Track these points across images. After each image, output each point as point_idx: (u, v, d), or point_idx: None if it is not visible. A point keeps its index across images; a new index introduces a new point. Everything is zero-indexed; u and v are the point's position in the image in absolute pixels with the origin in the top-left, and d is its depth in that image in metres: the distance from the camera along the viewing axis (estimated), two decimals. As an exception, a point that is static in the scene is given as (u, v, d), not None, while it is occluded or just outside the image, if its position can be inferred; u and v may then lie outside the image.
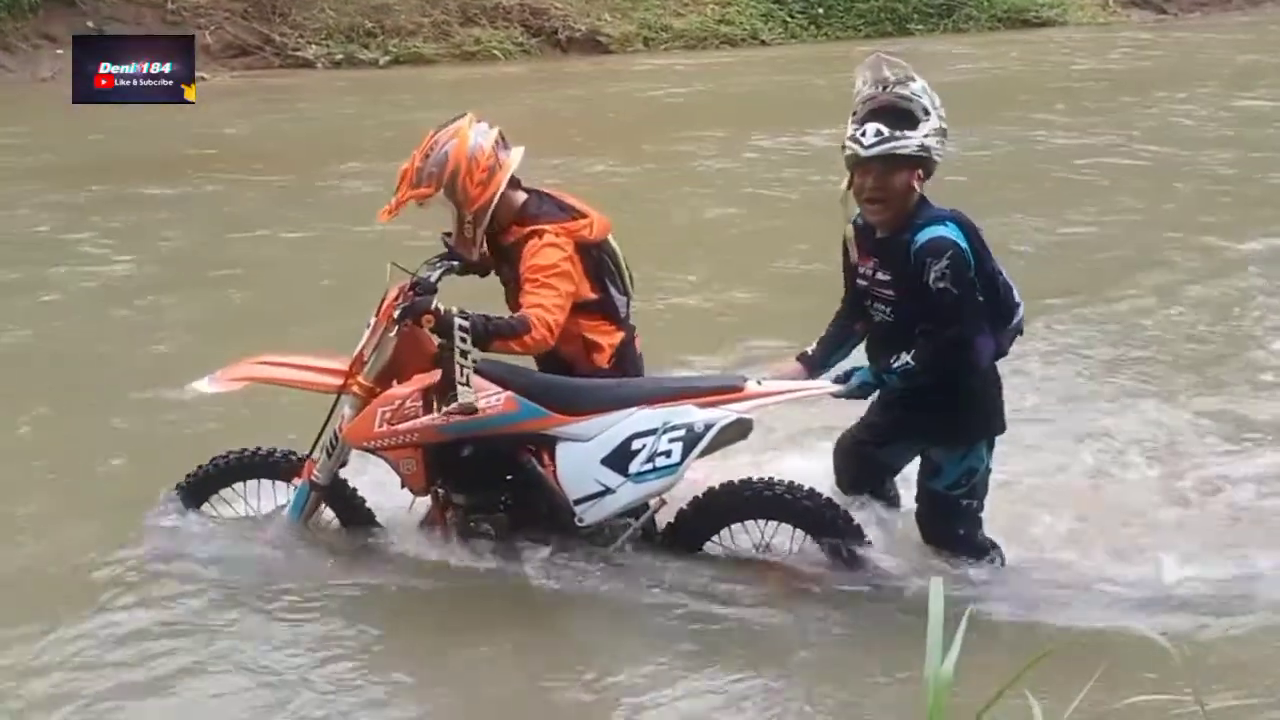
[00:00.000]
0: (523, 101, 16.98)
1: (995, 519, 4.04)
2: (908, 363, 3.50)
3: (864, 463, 4.00)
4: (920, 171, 3.53)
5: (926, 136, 3.47)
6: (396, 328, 3.83)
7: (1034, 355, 6.00)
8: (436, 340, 3.84)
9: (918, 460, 3.92)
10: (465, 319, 3.68)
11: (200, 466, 4.28)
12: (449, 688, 3.64)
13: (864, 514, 3.95)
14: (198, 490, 4.26)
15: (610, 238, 4.09)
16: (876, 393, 3.73)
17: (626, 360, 4.12)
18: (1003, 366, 3.91)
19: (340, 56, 21.51)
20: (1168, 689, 2.89)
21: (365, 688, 3.57)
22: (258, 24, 21.68)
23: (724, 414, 3.67)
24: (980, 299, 3.53)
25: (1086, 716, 2.44)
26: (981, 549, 3.83)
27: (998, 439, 3.87)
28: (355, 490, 4.23)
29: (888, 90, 3.50)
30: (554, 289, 3.79)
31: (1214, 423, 5.38)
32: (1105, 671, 3.11)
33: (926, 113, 3.49)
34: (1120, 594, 3.87)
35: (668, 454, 3.65)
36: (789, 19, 24.74)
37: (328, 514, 4.28)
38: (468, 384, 3.66)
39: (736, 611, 3.81)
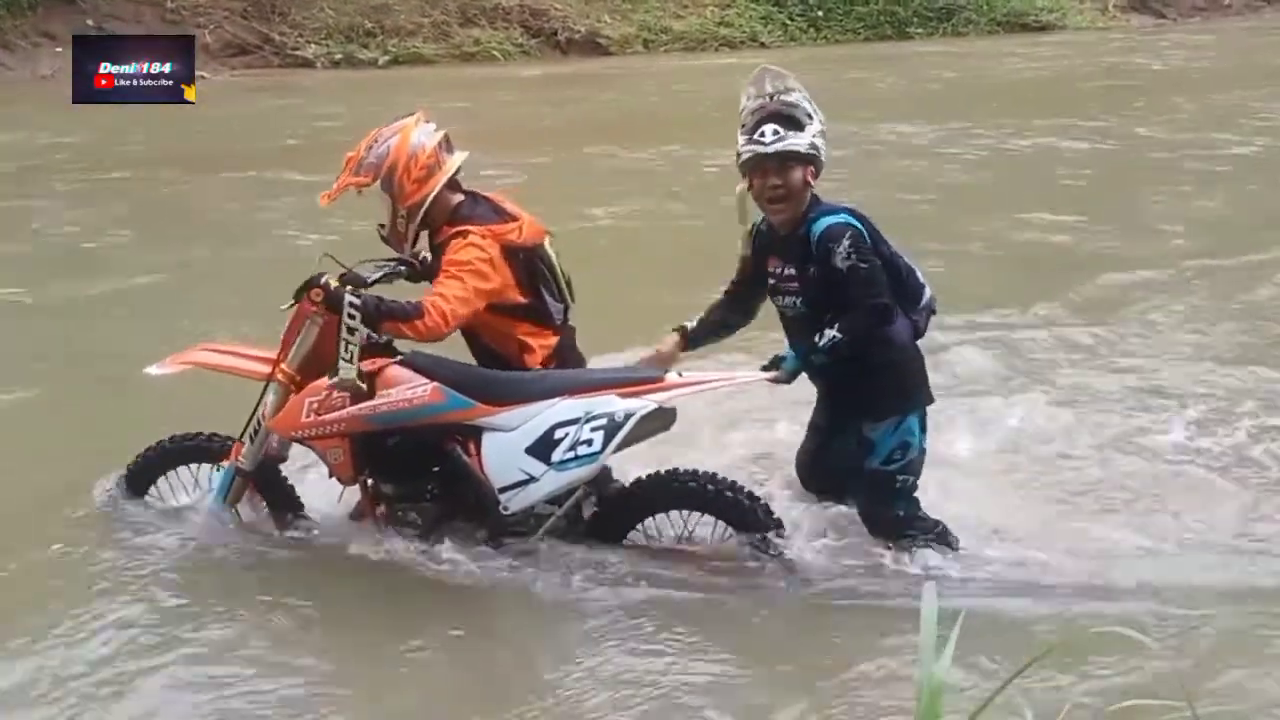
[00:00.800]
0: (520, 101, 17.01)
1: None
2: (835, 336, 3.70)
3: (821, 467, 4.16)
4: (812, 169, 3.81)
5: (814, 137, 3.79)
6: (317, 317, 3.89)
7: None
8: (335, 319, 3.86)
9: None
10: (356, 297, 3.75)
11: (138, 455, 4.33)
12: (376, 684, 3.61)
13: (830, 514, 4.10)
14: (138, 478, 4.34)
15: (547, 245, 4.14)
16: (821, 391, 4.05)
17: (563, 363, 4.19)
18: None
19: (340, 56, 21.53)
20: (1154, 688, 2.89)
21: (281, 685, 3.54)
22: (257, 23, 21.68)
23: (644, 404, 3.78)
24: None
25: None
26: (926, 524, 3.97)
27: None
28: (285, 477, 4.27)
29: (774, 99, 3.79)
30: (461, 282, 3.84)
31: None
32: (1089, 670, 3.20)
33: (810, 117, 3.79)
34: (1094, 588, 3.95)
35: (589, 442, 3.76)
36: (788, 22, 24.75)
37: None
38: (350, 361, 3.71)
39: (664, 596, 3.89)
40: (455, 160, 4.05)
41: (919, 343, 4.00)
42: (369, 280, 3.96)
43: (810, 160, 3.78)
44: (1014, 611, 3.80)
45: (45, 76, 19.49)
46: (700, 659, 3.61)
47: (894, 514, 3.93)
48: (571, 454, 3.78)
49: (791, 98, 3.78)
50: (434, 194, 3.97)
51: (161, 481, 4.36)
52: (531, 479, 3.83)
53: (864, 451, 3.89)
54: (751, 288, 4.08)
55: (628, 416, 3.76)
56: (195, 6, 21.44)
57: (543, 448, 3.80)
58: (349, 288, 3.84)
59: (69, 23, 20.68)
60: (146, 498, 4.35)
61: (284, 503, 4.25)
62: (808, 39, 24.55)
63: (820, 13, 24.92)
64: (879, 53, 22.62)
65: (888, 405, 3.87)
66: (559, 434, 3.78)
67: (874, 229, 3.84)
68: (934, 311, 3.99)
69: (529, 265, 4.04)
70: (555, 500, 3.94)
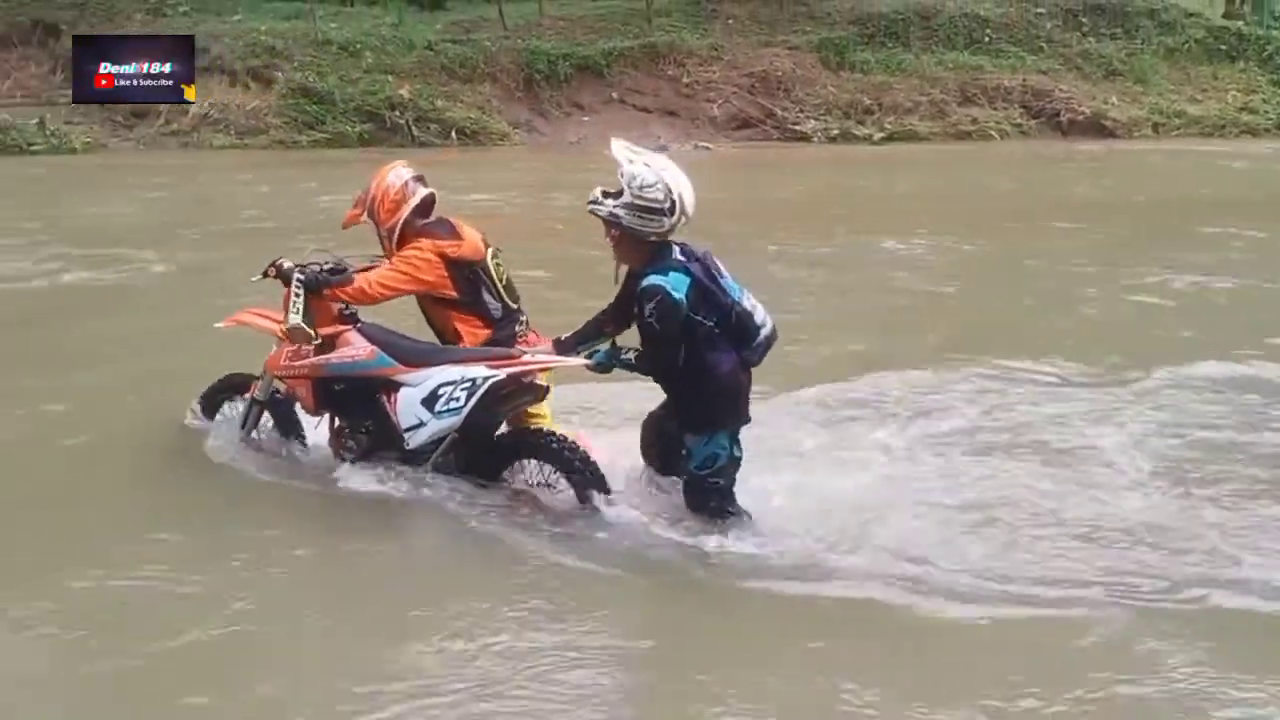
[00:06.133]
0: (1011, 178, 16.62)
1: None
2: (629, 359, 4.60)
3: (665, 436, 4.89)
4: (615, 231, 4.49)
5: (615, 207, 4.43)
6: (305, 294, 5.13)
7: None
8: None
9: None
10: (301, 273, 5.13)
11: (208, 387, 5.79)
12: (328, 581, 4.61)
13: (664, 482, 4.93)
14: (209, 403, 5.79)
15: (489, 259, 5.22)
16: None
17: None
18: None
19: (836, 132, 22.12)
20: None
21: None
22: (762, 99, 22.76)
23: (496, 373, 4.86)
24: (713, 327, 4.51)
25: None
26: (729, 514, 4.73)
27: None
28: (292, 407, 5.51)
29: (620, 168, 4.47)
30: (394, 270, 5.08)
31: None
32: None
33: (626, 189, 4.42)
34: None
35: (458, 399, 4.91)
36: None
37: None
38: (297, 314, 5.06)
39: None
40: (422, 193, 5.20)
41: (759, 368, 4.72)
42: (320, 264, 5.25)
43: (612, 225, 4.47)
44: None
45: (572, 143, 21.52)
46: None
47: (708, 504, 4.72)
48: (447, 407, 4.94)
49: (620, 170, 4.44)
50: (403, 219, 5.15)
51: (226, 406, 5.75)
52: (422, 424, 5.01)
53: (684, 457, 4.70)
54: (624, 304, 4.78)
55: (484, 381, 4.85)
56: (708, 82, 22.85)
57: (430, 401, 4.97)
58: (297, 265, 5.19)
59: (598, 94, 22.78)
60: (217, 415, 5.77)
61: (288, 427, 5.57)
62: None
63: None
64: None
65: (702, 423, 4.64)
66: (441, 391, 4.94)
67: (710, 285, 4.49)
68: (769, 346, 4.65)
69: (467, 272, 5.14)
70: (436, 441, 5.06)
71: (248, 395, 5.54)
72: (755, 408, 4.85)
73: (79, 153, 19.07)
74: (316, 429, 5.48)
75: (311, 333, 5.10)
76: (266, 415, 5.56)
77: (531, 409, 5.22)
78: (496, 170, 17.53)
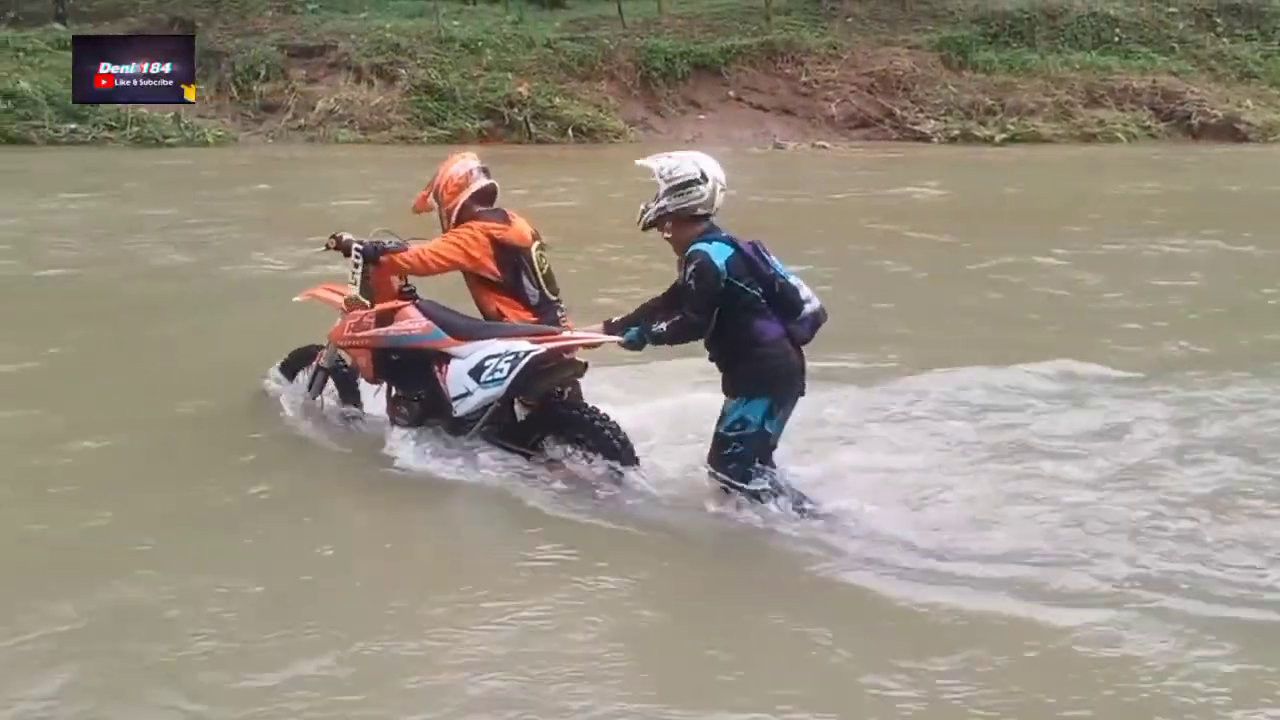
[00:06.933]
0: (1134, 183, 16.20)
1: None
2: (660, 329, 4.84)
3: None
4: (669, 225, 4.82)
5: (659, 202, 4.80)
6: (363, 264, 5.55)
7: None
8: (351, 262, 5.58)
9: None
10: (360, 244, 5.54)
11: (287, 355, 6.20)
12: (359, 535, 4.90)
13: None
14: (288, 367, 6.19)
15: (534, 249, 5.53)
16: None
17: None
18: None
19: (957, 132, 21.80)
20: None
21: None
22: (882, 98, 22.54)
23: (537, 348, 5.16)
24: (760, 297, 4.75)
25: None
26: (745, 478, 4.85)
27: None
28: (353, 375, 5.92)
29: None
30: (446, 243, 5.45)
31: None
32: None
33: (659, 185, 4.80)
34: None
35: (501, 371, 5.21)
36: None
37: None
38: (355, 285, 5.54)
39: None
40: (484, 182, 5.58)
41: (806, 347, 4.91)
42: (378, 242, 5.58)
43: (663, 219, 4.82)
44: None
45: (688, 141, 21.56)
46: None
47: (723, 470, 4.86)
48: (491, 377, 5.24)
49: (655, 169, 4.81)
50: (462, 203, 5.54)
51: (301, 373, 6.10)
52: (469, 393, 5.31)
53: (718, 417, 4.90)
54: (674, 294, 5.03)
55: (526, 354, 5.15)
56: (826, 81, 22.71)
57: (477, 372, 5.27)
58: (356, 238, 5.61)
59: (714, 92, 22.80)
60: (294, 380, 6.15)
61: (348, 395, 6.01)
62: None
63: None
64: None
65: (740, 386, 4.84)
66: (487, 363, 5.24)
67: (756, 256, 4.75)
68: (818, 323, 4.87)
69: (511, 256, 5.48)
70: (481, 410, 5.37)
71: (314, 363, 5.98)
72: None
73: (211, 146, 19.73)
74: (375, 396, 5.82)
75: (367, 302, 5.59)
76: (331, 382, 6.02)
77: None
78: (606, 168, 17.62)
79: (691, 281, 4.70)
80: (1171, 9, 24.27)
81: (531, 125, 20.95)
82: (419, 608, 4.04)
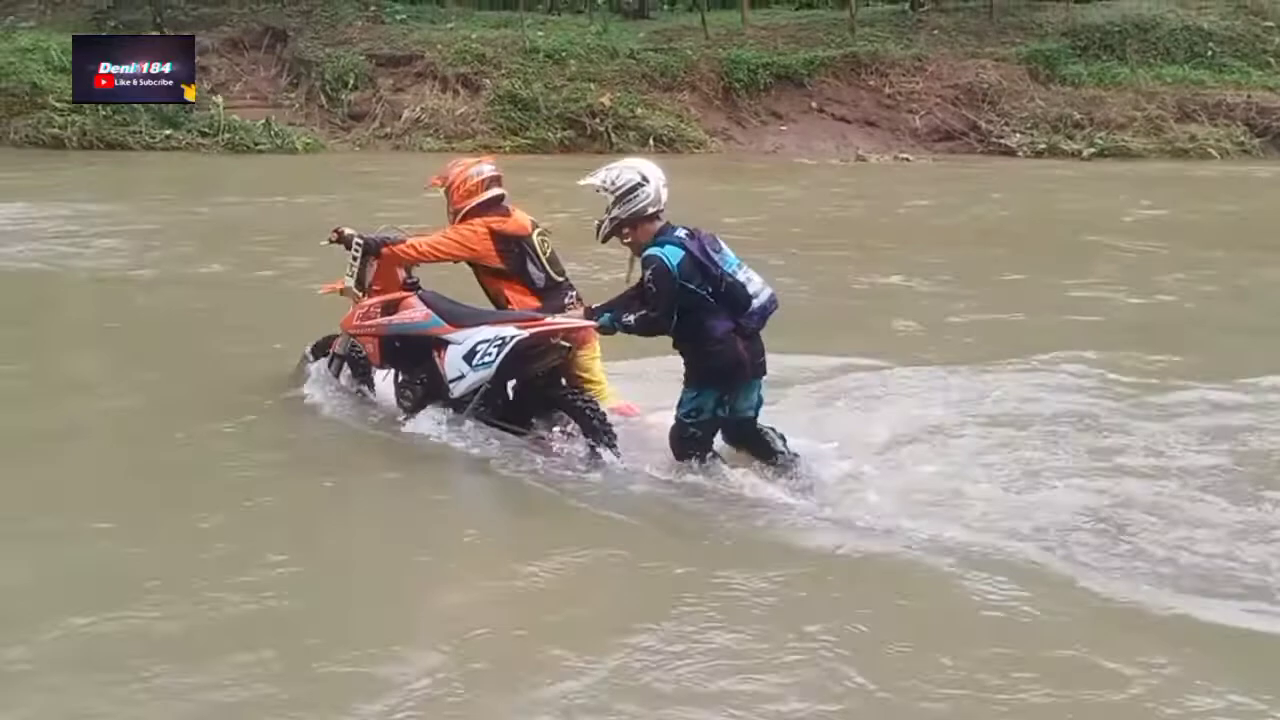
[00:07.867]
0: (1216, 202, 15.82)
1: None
2: (630, 321, 5.15)
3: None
4: (626, 231, 5.13)
5: (610, 213, 5.11)
6: (364, 256, 5.99)
7: None
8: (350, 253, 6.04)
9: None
10: (360, 239, 5.99)
11: (318, 339, 6.58)
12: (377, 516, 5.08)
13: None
14: (318, 350, 6.58)
15: (535, 236, 5.89)
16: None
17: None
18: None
19: (1043, 146, 21.48)
20: None
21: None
22: (966, 110, 22.29)
23: (521, 333, 5.51)
24: (709, 296, 5.03)
25: None
26: (702, 459, 5.24)
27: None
28: (365, 358, 6.23)
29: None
30: (445, 237, 5.86)
31: None
32: None
33: (606, 198, 5.10)
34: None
35: (490, 354, 5.57)
36: None
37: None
38: (351, 277, 6.00)
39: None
40: (495, 192, 5.94)
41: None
42: (378, 235, 6.02)
43: (619, 227, 5.11)
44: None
45: (769, 152, 21.55)
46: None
47: (682, 451, 5.25)
48: (481, 361, 5.60)
49: (597, 184, 5.10)
50: (470, 206, 5.88)
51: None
52: (462, 376, 5.68)
53: (678, 403, 5.24)
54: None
55: (511, 339, 5.52)
56: (910, 93, 22.53)
57: (470, 356, 5.63)
58: (358, 232, 6.05)
59: (796, 104, 22.73)
60: (323, 358, 6.55)
61: (362, 377, 6.39)
62: None
63: None
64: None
65: (694, 378, 5.18)
66: (479, 348, 5.60)
67: (703, 259, 5.02)
68: (767, 313, 5.14)
69: (514, 245, 5.85)
70: (473, 392, 5.72)
71: (331, 349, 6.45)
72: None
73: (299, 153, 20.12)
74: (385, 380, 6.25)
75: (359, 294, 6.05)
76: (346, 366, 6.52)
77: (587, 376, 5.85)
78: (683, 178, 17.63)
79: (652, 285, 5.03)
80: (1268, 23, 23.66)
81: (613, 135, 21.07)
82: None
